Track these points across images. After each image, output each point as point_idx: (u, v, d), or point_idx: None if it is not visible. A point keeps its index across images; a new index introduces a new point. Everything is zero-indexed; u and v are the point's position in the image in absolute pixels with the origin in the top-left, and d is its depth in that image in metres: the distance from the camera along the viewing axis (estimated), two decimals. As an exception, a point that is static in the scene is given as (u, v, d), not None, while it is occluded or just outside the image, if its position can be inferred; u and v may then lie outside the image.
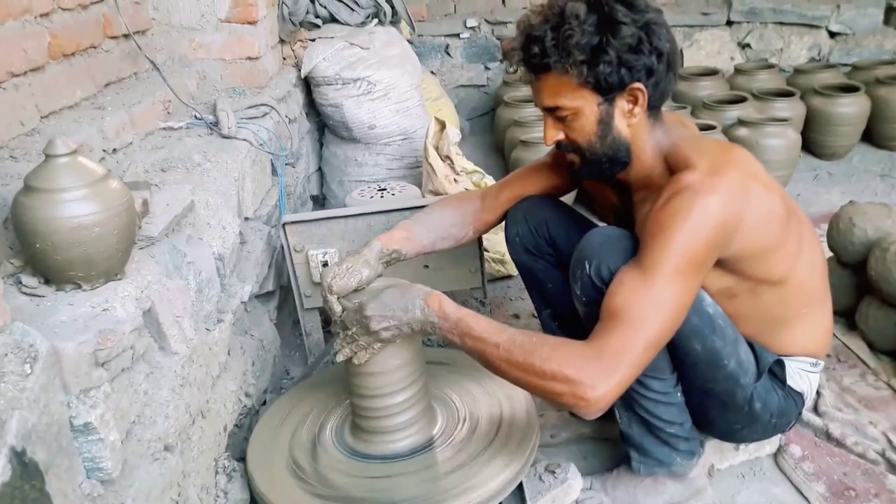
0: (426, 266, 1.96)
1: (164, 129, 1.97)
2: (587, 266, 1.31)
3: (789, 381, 1.45)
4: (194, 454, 1.35)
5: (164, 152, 1.82)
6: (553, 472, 1.52)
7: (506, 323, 1.31)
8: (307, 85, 2.88)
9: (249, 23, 2.36)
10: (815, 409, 1.74)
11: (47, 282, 1.13)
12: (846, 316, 2.12)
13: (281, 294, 2.20)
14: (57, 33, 1.71)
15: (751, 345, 1.43)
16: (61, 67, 1.74)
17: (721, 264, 1.30)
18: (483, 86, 4.45)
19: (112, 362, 1.08)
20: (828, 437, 1.65)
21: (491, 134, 4.01)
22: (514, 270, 2.53)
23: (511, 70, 1.40)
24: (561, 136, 1.35)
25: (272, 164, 2.23)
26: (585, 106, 1.29)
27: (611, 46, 1.23)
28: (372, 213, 1.89)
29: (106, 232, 1.09)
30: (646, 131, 1.33)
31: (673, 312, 1.22)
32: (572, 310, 1.41)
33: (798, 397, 1.48)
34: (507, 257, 2.48)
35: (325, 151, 2.98)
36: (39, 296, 1.11)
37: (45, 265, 1.10)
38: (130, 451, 1.13)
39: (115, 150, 1.71)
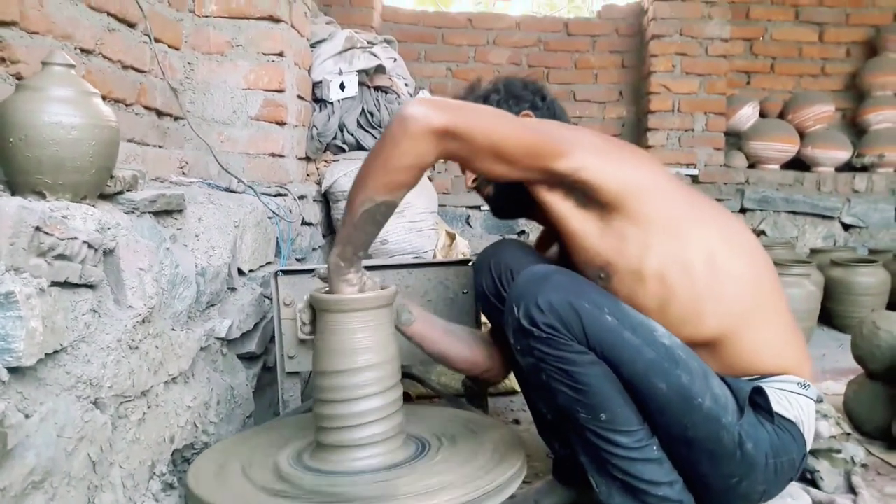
0: (420, 333, 1.85)
1: (174, 182, 2.00)
2: (515, 310, 1.22)
3: (775, 408, 1.25)
4: (129, 437, 1.18)
5: (169, 191, 1.83)
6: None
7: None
8: (327, 205, 2.96)
9: (278, 123, 2.50)
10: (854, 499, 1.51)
11: (12, 192, 1.09)
12: (884, 438, 1.92)
13: (265, 376, 2.06)
14: (92, 71, 1.82)
15: (723, 379, 1.26)
16: (89, 104, 1.83)
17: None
18: (501, 256, 4.53)
19: (55, 263, 0.99)
20: (869, 524, 1.40)
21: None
22: (517, 385, 2.37)
23: None
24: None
25: (278, 243, 2.22)
26: None
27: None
28: (367, 266, 1.82)
29: (82, 138, 1.07)
30: None
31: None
32: None
33: (792, 428, 1.27)
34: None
35: (336, 270, 2.98)
36: (-1, 197, 1.06)
37: (13, 165, 1.06)
38: (54, 376, 1.00)
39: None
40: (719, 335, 1.26)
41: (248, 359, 1.90)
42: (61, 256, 1.00)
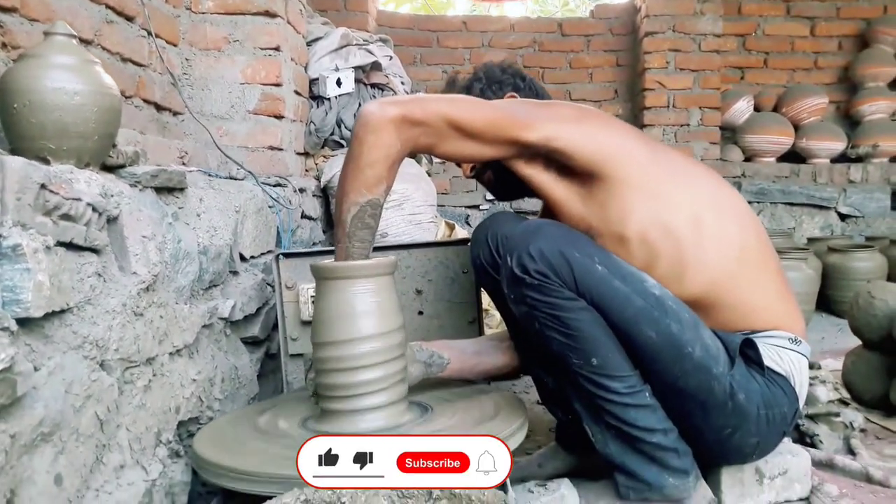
0: (420, 312, 1.87)
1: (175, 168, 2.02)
2: (509, 260, 1.26)
3: (766, 362, 1.27)
4: (135, 402, 1.20)
5: (171, 168, 1.86)
6: (544, 486, 1.31)
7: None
8: (326, 201, 2.99)
9: (276, 116, 2.52)
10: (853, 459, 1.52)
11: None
12: (882, 406, 1.93)
13: (269, 363, 2.08)
14: (92, 61, 1.84)
15: (713, 332, 1.28)
16: (90, 94, 1.85)
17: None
18: (500, 254, 4.55)
19: (60, 223, 1.01)
20: (868, 479, 1.42)
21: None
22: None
23: None
24: None
25: (279, 233, 2.25)
26: None
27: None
28: (368, 248, 1.85)
29: (86, 104, 1.09)
30: None
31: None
32: None
33: (783, 382, 1.29)
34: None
35: (336, 265, 3.00)
36: (5, 163, 1.08)
37: (17, 131, 1.08)
38: (61, 335, 1.02)
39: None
40: (705, 293, 1.28)
41: (251, 343, 1.92)
42: (66, 217, 1.02)
